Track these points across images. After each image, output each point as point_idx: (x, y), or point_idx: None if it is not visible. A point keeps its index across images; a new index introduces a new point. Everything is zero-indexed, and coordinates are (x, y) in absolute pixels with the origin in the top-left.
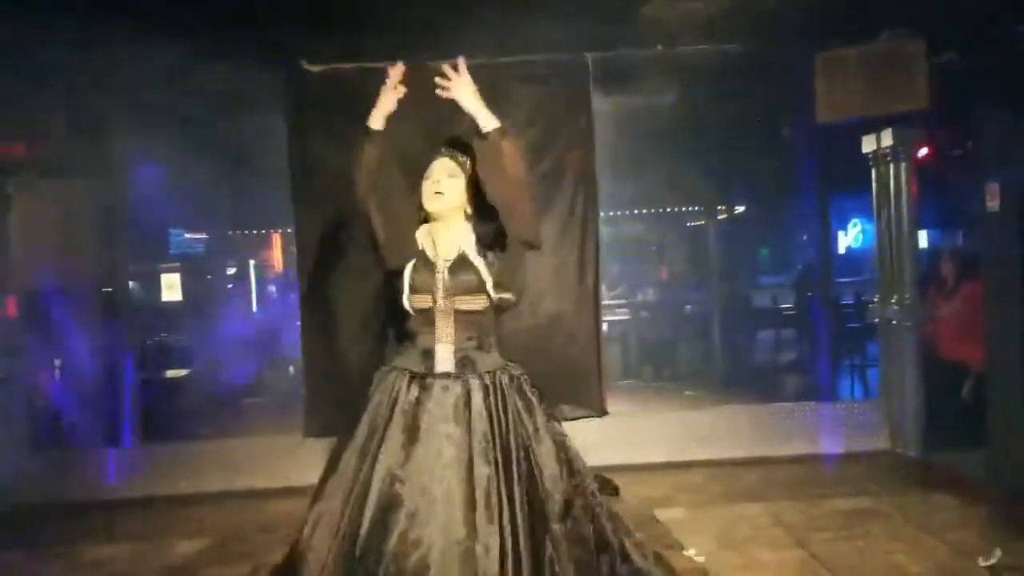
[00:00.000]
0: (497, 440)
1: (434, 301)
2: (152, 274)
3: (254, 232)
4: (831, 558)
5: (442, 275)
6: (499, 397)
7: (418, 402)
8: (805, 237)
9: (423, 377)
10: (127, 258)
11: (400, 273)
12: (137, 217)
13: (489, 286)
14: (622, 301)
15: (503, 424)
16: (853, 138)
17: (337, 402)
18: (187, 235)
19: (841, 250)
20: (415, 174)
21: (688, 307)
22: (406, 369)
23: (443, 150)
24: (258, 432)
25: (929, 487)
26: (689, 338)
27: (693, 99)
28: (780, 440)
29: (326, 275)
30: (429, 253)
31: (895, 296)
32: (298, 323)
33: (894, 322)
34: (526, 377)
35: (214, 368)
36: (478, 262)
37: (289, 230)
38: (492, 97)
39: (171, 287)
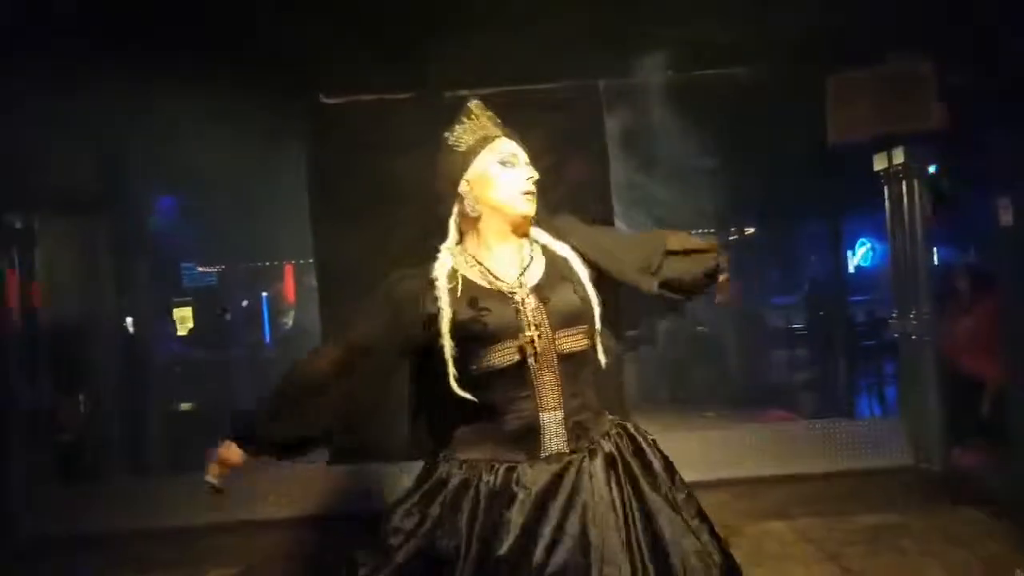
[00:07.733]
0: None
1: (524, 351)
2: (166, 307)
3: (267, 263)
4: (866, 571)
5: (530, 305)
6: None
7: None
8: (814, 257)
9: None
10: (147, 292)
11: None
12: (154, 250)
13: (596, 309)
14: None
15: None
16: (863, 158)
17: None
18: (200, 268)
19: (851, 269)
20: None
21: (700, 328)
22: (492, 461)
23: (497, 127)
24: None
25: (955, 501)
26: (703, 359)
27: (704, 122)
28: (802, 458)
29: (346, 303)
30: (485, 283)
31: (913, 311)
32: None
33: (913, 337)
34: (644, 432)
35: (234, 400)
36: (579, 269)
37: (302, 261)
38: (508, 125)
39: (183, 321)
